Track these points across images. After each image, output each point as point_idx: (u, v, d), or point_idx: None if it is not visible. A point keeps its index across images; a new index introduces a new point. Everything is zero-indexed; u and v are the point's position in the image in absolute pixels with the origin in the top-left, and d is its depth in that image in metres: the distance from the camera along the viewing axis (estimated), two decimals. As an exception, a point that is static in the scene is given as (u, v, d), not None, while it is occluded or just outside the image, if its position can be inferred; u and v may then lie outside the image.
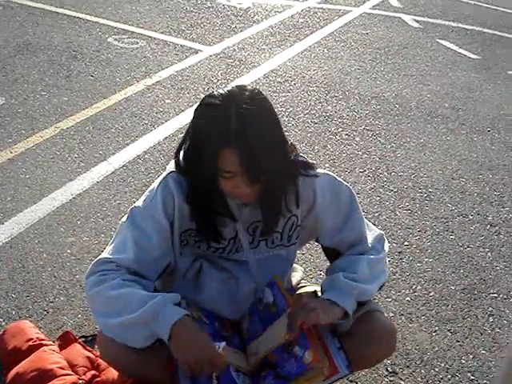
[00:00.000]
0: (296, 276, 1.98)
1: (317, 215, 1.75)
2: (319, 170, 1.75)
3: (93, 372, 1.90)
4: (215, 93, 1.55)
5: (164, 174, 1.69)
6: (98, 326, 1.64)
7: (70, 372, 1.88)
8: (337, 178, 1.78)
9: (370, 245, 1.79)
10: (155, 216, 1.63)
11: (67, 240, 2.71)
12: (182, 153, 1.64)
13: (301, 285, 1.97)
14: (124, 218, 1.68)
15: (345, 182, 1.78)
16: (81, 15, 5.50)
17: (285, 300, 1.71)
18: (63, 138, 3.50)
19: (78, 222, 2.83)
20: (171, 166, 1.68)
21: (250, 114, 1.49)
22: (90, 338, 2.15)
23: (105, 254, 1.64)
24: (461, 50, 5.86)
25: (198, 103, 1.58)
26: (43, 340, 2.03)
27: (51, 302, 2.34)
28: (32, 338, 2.01)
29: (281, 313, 1.69)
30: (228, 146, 1.47)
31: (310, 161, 1.74)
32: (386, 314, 1.81)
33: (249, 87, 1.55)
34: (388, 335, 1.74)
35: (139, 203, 1.67)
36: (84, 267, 2.53)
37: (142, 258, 1.62)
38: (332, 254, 1.83)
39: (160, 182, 1.67)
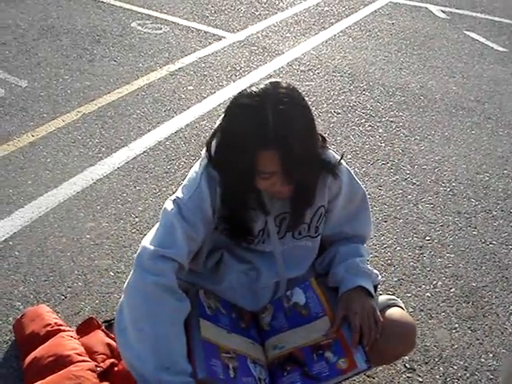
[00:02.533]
0: None
1: (332, 208, 1.76)
2: (343, 162, 1.73)
3: (112, 360, 1.90)
4: (249, 91, 1.49)
5: (202, 162, 1.64)
6: (117, 340, 1.58)
7: (87, 359, 1.88)
8: (354, 176, 1.78)
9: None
10: (202, 207, 1.60)
11: (86, 225, 2.71)
12: (213, 149, 1.60)
13: None
14: (168, 208, 1.62)
15: (360, 182, 1.80)
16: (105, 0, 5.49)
17: (321, 307, 1.71)
18: (85, 123, 3.50)
19: (98, 208, 2.83)
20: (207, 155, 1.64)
21: (288, 113, 1.44)
22: (113, 321, 2.15)
23: (156, 246, 1.57)
24: (488, 43, 5.74)
25: (230, 102, 1.52)
26: (61, 325, 2.03)
27: (69, 287, 2.35)
28: (50, 324, 2.01)
29: (314, 317, 1.69)
30: (267, 148, 1.43)
31: (337, 155, 1.72)
32: (405, 310, 1.78)
33: (283, 83, 1.49)
34: (408, 332, 1.71)
35: (182, 194, 1.63)
36: (103, 252, 2.54)
37: (192, 249, 1.62)
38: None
39: (202, 172, 1.62)
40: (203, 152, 1.65)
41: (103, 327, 2.08)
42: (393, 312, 1.73)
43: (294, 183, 1.54)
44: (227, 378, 1.54)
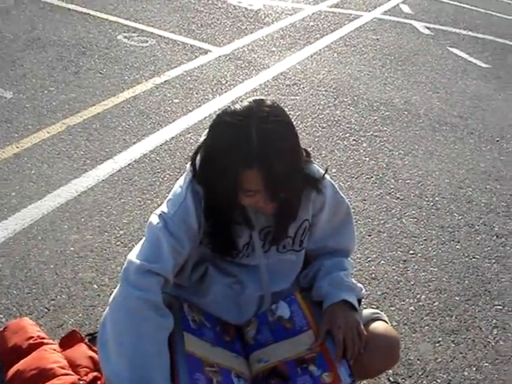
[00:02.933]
0: None
1: (316, 221, 1.77)
2: (327, 176, 1.74)
3: (95, 374, 1.88)
4: (233, 109, 1.49)
5: (187, 176, 1.64)
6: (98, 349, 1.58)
7: (71, 372, 1.86)
8: (339, 190, 1.79)
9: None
10: (188, 221, 1.60)
11: (70, 237, 2.69)
12: (198, 164, 1.60)
13: None
14: (154, 222, 1.61)
15: (344, 196, 1.81)
16: (91, 12, 5.49)
17: (305, 320, 1.71)
18: (70, 135, 3.49)
19: (82, 220, 2.81)
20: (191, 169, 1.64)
21: (272, 133, 1.45)
22: (96, 334, 2.13)
23: (142, 260, 1.56)
24: (471, 59, 5.83)
25: (214, 119, 1.53)
26: (44, 338, 2.01)
27: (52, 300, 2.33)
28: (33, 337, 1.99)
29: (298, 331, 1.70)
30: (251, 167, 1.44)
31: (321, 169, 1.73)
32: (389, 323, 1.79)
33: (268, 102, 1.49)
34: (392, 346, 1.72)
35: (167, 208, 1.62)
36: (87, 265, 2.52)
37: (177, 263, 1.62)
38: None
39: (187, 186, 1.61)
40: (188, 166, 1.65)
41: (86, 340, 2.06)
42: (377, 326, 1.74)
43: (278, 200, 1.55)
44: None
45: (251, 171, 1.44)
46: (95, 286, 2.42)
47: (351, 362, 1.60)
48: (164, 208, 1.63)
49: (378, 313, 1.81)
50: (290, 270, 1.82)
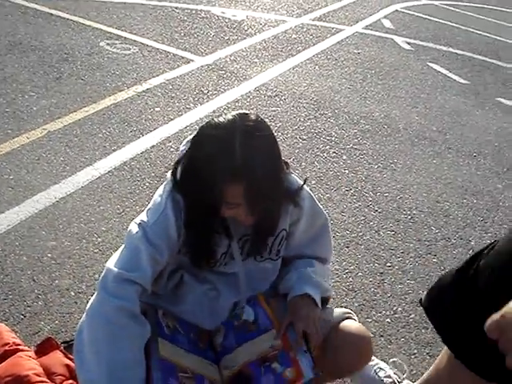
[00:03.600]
0: None
1: (293, 231, 1.78)
2: (305, 187, 1.76)
3: (70, 381, 1.87)
4: (217, 122, 1.50)
5: (167, 186, 1.64)
6: (76, 344, 1.57)
7: (46, 379, 1.84)
8: (317, 201, 1.81)
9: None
10: (167, 231, 1.61)
11: (48, 244, 2.67)
12: (179, 174, 1.61)
13: None
14: (133, 231, 1.61)
15: (322, 208, 1.83)
16: (74, 18, 5.48)
17: (269, 320, 1.71)
18: (50, 141, 3.47)
19: (60, 227, 2.80)
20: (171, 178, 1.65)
21: (255, 147, 1.46)
22: (72, 342, 2.12)
23: (120, 269, 1.56)
24: (451, 75, 5.92)
25: (197, 131, 1.54)
26: (19, 345, 1.99)
27: (29, 307, 2.31)
28: (8, 343, 1.97)
29: (262, 331, 1.70)
30: (234, 181, 1.45)
31: (300, 179, 1.74)
32: (359, 315, 1.80)
33: (252, 116, 1.51)
34: (364, 343, 1.75)
35: (147, 217, 1.62)
36: (64, 272, 2.50)
37: (155, 272, 1.63)
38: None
39: (167, 196, 1.62)
40: (168, 175, 1.66)
41: (62, 348, 2.05)
42: (348, 324, 1.78)
43: (258, 214, 1.56)
44: None
45: (234, 185, 1.46)
46: (72, 293, 2.41)
47: (314, 352, 1.62)
48: (144, 217, 1.63)
49: (349, 312, 1.85)
50: (265, 277, 1.84)
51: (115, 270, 1.56)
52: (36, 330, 2.20)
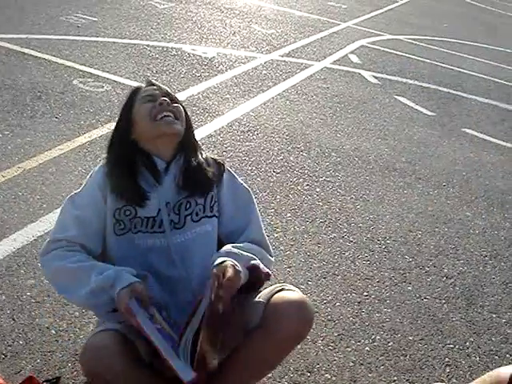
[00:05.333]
0: None
1: (220, 197, 2.01)
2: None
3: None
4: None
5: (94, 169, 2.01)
6: (67, 300, 1.94)
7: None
8: (237, 176, 2.10)
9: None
10: (90, 191, 1.94)
11: (27, 282, 2.67)
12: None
13: None
14: (64, 204, 1.97)
15: (243, 182, 2.12)
16: (46, 56, 5.51)
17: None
18: (26, 179, 3.48)
19: (39, 265, 2.78)
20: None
21: None
22: (54, 380, 2.12)
23: (52, 235, 1.92)
24: (417, 107, 6.09)
25: None
26: (1, 384, 1.98)
27: (9, 346, 2.30)
28: (-9, 383, 1.96)
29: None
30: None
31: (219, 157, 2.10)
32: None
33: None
34: (298, 307, 1.79)
35: (78, 190, 1.99)
36: (44, 310, 2.50)
37: (84, 232, 1.90)
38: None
39: (92, 172, 2.00)
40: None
41: (44, 387, 2.05)
42: (285, 293, 1.84)
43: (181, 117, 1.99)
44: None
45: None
46: (53, 332, 2.40)
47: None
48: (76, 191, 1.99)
49: (285, 284, 1.92)
50: (206, 244, 1.96)
51: (50, 237, 1.92)
52: (18, 370, 2.19)
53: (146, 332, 1.66)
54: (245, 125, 4.83)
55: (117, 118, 2.06)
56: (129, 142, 1.98)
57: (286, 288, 1.87)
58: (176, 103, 2.02)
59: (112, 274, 1.77)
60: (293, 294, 1.84)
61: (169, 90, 2.05)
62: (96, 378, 1.68)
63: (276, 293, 1.85)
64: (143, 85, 2.05)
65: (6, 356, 2.24)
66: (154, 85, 2.04)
